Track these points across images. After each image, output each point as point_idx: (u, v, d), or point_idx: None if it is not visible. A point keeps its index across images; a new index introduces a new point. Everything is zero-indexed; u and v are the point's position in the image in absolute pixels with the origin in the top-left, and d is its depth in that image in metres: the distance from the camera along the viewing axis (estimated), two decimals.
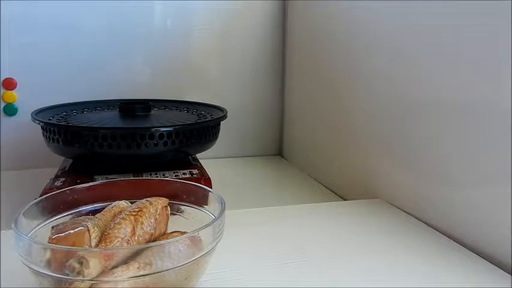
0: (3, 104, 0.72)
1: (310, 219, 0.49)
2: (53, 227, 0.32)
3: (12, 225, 0.30)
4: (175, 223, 0.37)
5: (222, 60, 0.83)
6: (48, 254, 0.28)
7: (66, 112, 0.65)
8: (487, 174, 0.40)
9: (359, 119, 0.60)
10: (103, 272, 0.28)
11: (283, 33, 0.84)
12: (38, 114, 0.59)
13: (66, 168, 0.58)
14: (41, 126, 0.56)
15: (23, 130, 0.72)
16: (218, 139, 0.62)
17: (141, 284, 0.29)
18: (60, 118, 0.61)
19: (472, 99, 0.41)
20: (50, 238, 0.31)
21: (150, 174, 0.55)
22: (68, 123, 0.58)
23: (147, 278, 0.28)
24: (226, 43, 0.82)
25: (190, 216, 0.38)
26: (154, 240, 0.33)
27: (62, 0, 0.72)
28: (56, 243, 0.30)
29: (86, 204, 0.38)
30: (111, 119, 0.61)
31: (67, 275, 0.27)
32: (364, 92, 0.59)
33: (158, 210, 0.34)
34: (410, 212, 0.50)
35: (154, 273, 0.29)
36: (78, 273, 0.27)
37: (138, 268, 0.28)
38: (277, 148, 0.89)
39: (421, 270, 0.38)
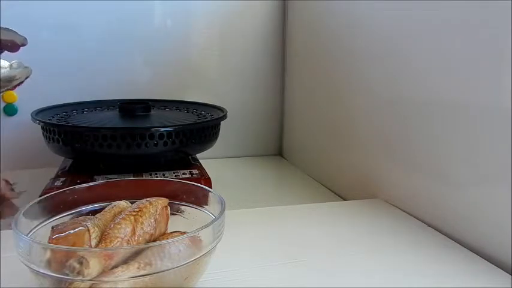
0: (3, 104, 0.72)
1: (310, 219, 0.49)
2: (53, 227, 0.32)
3: (12, 225, 0.30)
4: (175, 223, 0.37)
5: (222, 60, 0.83)
6: (48, 254, 0.28)
7: (66, 112, 0.65)
8: (487, 174, 0.40)
9: (359, 119, 0.60)
10: (103, 272, 0.28)
11: (283, 33, 0.84)
12: (38, 114, 0.59)
13: (66, 168, 0.58)
14: (41, 126, 0.56)
15: (23, 130, 0.72)
16: (218, 139, 0.62)
17: (141, 284, 0.29)
18: (60, 118, 0.61)
19: (472, 99, 0.41)
20: (50, 238, 0.31)
21: (150, 174, 0.55)
22: (68, 123, 0.58)
23: (147, 278, 0.29)
24: (226, 43, 0.82)
25: (190, 216, 0.38)
26: (154, 240, 0.33)
27: (62, 1, 0.72)
28: (56, 243, 0.30)
29: (86, 204, 0.38)
30: (111, 119, 0.61)
31: (67, 275, 0.27)
32: (364, 92, 0.59)
33: (158, 210, 0.34)
34: (410, 212, 0.50)
35: (154, 273, 0.29)
36: (78, 273, 0.27)
37: (138, 268, 0.28)
38: (277, 148, 0.89)
39: (421, 270, 0.38)
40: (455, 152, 0.43)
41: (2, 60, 0.32)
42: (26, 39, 0.35)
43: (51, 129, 0.54)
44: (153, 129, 0.53)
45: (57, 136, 0.53)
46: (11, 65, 0.37)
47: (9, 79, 0.33)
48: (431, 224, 0.47)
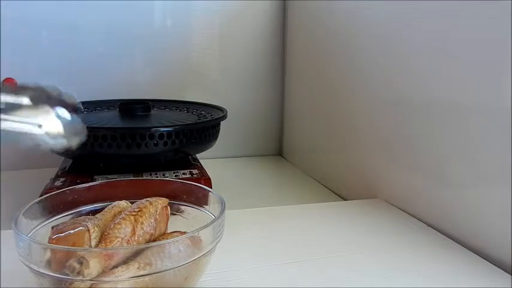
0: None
1: (310, 219, 0.49)
2: (53, 227, 0.32)
3: (12, 225, 0.30)
4: (175, 223, 0.37)
5: (222, 60, 0.83)
6: (48, 254, 0.28)
7: None
8: (487, 174, 0.40)
9: (359, 119, 0.60)
10: (103, 272, 0.28)
11: (283, 33, 0.84)
12: None
13: (66, 168, 0.58)
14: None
15: None
16: (218, 139, 0.62)
17: (141, 284, 0.29)
18: None
19: (472, 99, 0.41)
20: (50, 238, 0.31)
21: (150, 174, 0.55)
22: None
23: (147, 278, 0.29)
24: (226, 43, 0.82)
25: (190, 216, 0.38)
26: (154, 240, 0.33)
27: (62, 0, 0.72)
28: (56, 243, 0.30)
29: (86, 204, 0.38)
30: (111, 119, 0.61)
31: (67, 275, 0.27)
32: (364, 92, 0.59)
33: (158, 210, 0.34)
34: (410, 212, 0.50)
35: (154, 273, 0.29)
36: (78, 273, 0.27)
37: (138, 268, 0.28)
38: (277, 148, 0.89)
39: (421, 270, 0.38)
40: (455, 152, 0.43)
41: (62, 112, 0.28)
42: (82, 106, 0.32)
43: None
44: (153, 129, 0.53)
45: None
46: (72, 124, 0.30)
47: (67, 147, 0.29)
48: (431, 224, 0.47)
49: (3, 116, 0.23)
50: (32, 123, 0.24)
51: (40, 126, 0.25)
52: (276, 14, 0.83)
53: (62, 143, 0.26)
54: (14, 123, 0.24)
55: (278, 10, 0.83)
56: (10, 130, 0.23)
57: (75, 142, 0.27)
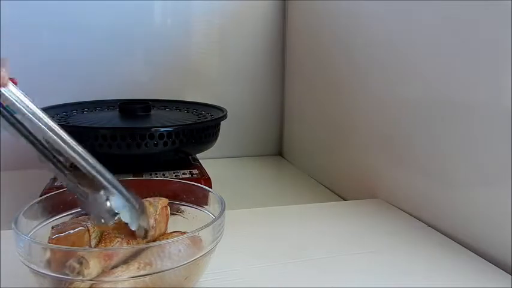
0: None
1: (310, 219, 0.49)
2: (53, 227, 0.32)
3: (12, 225, 0.30)
4: (175, 223, 0.37)
5: (222, 60, 0.83)
6: (48, 254, 0.28)
7: (66, 112, 0.65)
8: (487, 174, 0.40)
9: (359, 118, 0.60)
10: (103, 272, 0.28)
11: (283, 33, 0.84)
12: None
13: None
14: None
15: None
16: (218, 139, 0.62)
17: (141, 284, 0.29)
18: (60, 118, 0.61)
19: (472, 99, 0.41)
20: (50, 238, 0.31)
21: (150, 174, 0.55)
22: (68, 123, 0.58)
23: (147, 278, 0.29)
24: (226, 43, 0.82)
25: (190, 216, 0.38)
26: (154, 240, 0.33)
27: (62, 0, 0.72)
28: (56, 243, 0.30)
29: None
30: (111, 119, 0.61)
31: (67, 275, 0.27)
32: (364, 92, 0.59)
33: (158, 210, 0.34)
34: (410, 212, 0.50)
35: (154, 273, 0.29)
36: (78, 273, 0.27)
37: (138, 268, 0.28)
38: (277, 148, 0.89)
39: (421, 270, 0.38)
40: (455, 152, 0.43)
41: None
42: None
43: None
44: (153, 129, 0.53)
45: None
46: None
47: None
48: (431, 223, 0.47)
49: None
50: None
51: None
52: (276, 13, 0.83)
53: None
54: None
55: (278, 10, 0.83)
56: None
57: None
